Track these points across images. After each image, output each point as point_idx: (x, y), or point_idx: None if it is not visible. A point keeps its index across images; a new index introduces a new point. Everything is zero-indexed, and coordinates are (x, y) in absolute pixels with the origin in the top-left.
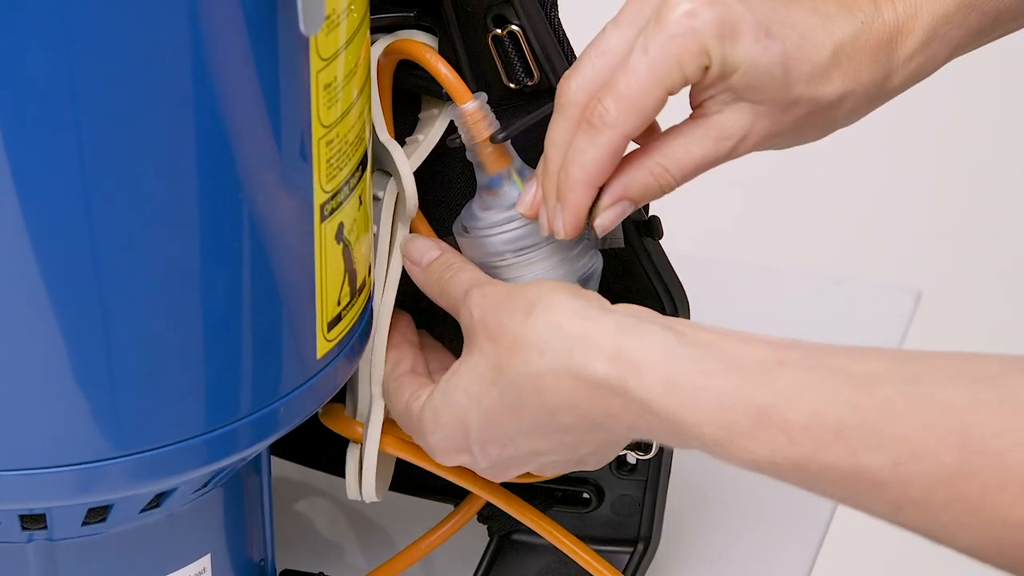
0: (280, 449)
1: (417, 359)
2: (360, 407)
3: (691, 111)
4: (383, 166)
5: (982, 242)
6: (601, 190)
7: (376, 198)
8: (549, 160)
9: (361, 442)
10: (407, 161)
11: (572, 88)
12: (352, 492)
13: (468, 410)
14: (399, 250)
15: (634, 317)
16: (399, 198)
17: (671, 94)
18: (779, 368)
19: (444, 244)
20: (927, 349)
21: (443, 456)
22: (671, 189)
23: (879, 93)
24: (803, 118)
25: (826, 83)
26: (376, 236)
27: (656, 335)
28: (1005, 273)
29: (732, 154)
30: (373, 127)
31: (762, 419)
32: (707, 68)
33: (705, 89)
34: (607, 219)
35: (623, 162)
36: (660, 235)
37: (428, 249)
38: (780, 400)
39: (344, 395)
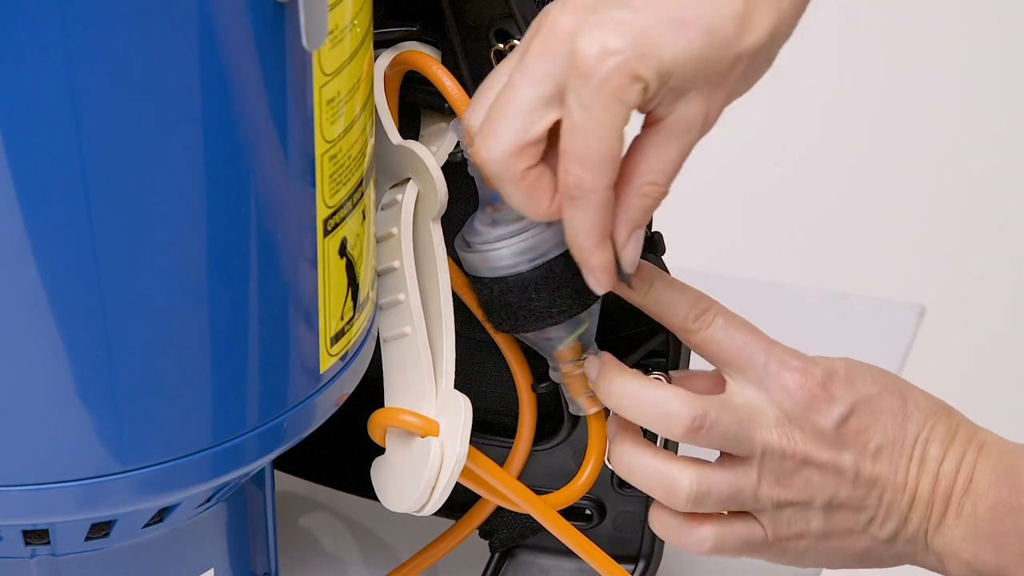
0: (283, 463)
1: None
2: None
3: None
4: (398, 172)
5: (986, 257)
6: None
7: (395, 202)
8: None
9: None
10: (432, 157)
11: (496, 157)
12: (408, 503)
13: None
14: (442, 251)
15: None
16: (421, 198)
17: (625, 126)
18: None
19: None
20: (933, 374)
21: (846, 430)
22: (665, 196)
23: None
24: (747, 68)
25: (753, 29)
26: (395, 237)
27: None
28: (1009, 288)
29: (703, 134)
30: (381, 136)
31: None
32: (646, 87)
33: (648, 102)
34: (630, 255)
35: (615, 197)
36: (662, 251)
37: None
38: None
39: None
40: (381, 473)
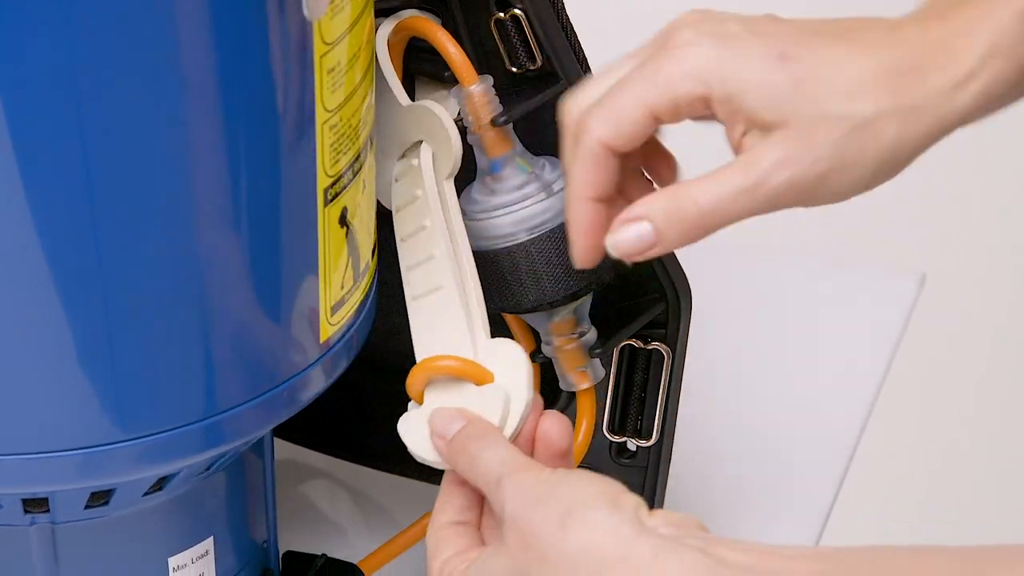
0: (283, 431)
1: (467, 503)
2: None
3: None
4: (408, 136)
5: (986, 225)
6: None
7: (410, 168)
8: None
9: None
10: (448, 114)
11: (566, 109)
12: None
13: None
14: (457, 209)
15: (671, 539)
16: (435, 158)
17: (657, 119)
18: None
19: (471, 414)
20: (933, 342)
21: None
22: (698, 222)
23: (934, 119)
24: (840, 142)
25: (858, 99)
26: (421, 199)
27: (693, 559)
28: (1009, 256)
29: (766, 185)
30: (390, 101)
31: None
32: (708, 100)
33: (732, 127)
34: (619, 236)
35: (654, 190)
36: None
37: (452, 420)
38: None
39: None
40: (417, 428)
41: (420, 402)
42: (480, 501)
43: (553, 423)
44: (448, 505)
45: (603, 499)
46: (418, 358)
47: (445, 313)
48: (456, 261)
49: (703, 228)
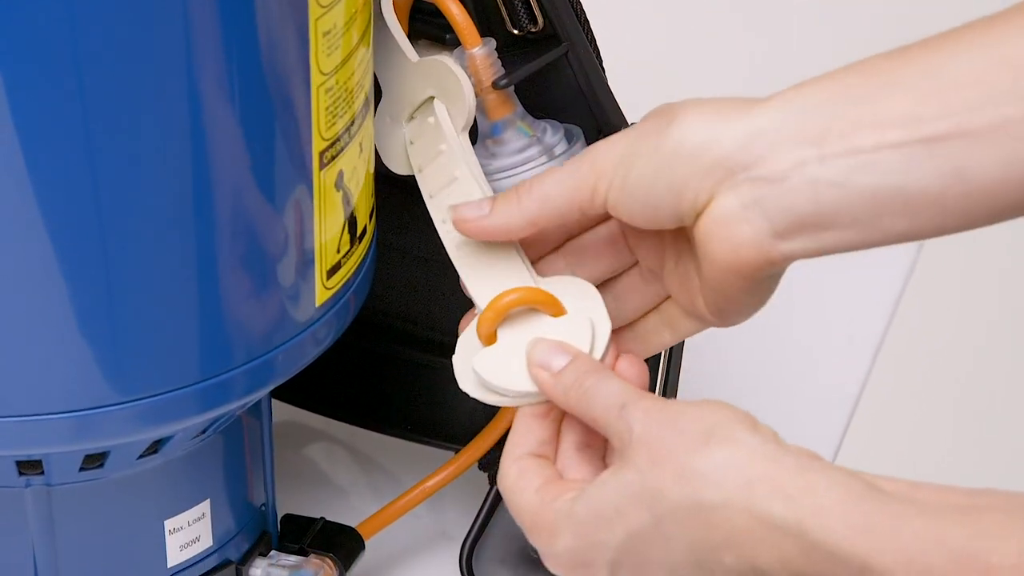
0: (282, 393)
1: (546, 437)
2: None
3: None
4: (417, 94)
5: None
6: None
7: (426, 126)
8: None
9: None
10: (459, 65)
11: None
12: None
13: (612, 528)
14: (474, 158)
15: (817, 459)
16: (450, 112)
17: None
18: (978, 512)
19: (572, 347)
20: (932, 303)
21: (559, 565)
22: (524, 207)
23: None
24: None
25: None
26: (446, 152)
27: (841, 478)
28: (1009, 221)
29: (594, 201)
30: (398, 59)
31: (963, 561)
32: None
33: None
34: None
35: None
36: None
37: (556, 353)
38: (982, 541)
39: None
40: (503, 364)
41: (490, 343)
42: (556, 438)
43: (630, 365)
44: (526, 437)
45: (744, 423)
46: (479, 304)
47: (498, 254)
48: None
49: (530, 215)
